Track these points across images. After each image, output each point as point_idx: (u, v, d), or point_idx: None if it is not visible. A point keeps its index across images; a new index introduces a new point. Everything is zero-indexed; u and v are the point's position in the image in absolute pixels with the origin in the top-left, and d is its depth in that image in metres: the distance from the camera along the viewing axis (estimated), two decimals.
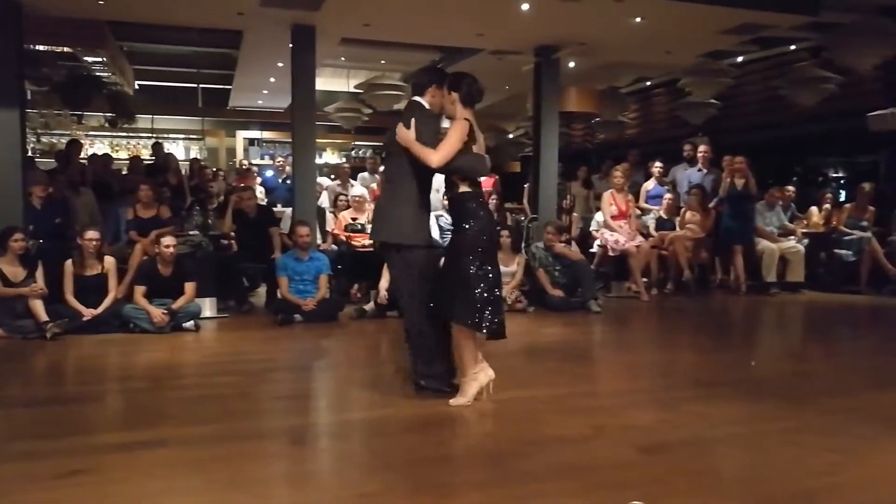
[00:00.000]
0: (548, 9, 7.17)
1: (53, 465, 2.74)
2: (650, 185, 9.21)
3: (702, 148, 9.08)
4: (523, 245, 7.75)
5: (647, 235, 8.41)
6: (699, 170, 8.99)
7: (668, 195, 8.82)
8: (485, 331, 3.58)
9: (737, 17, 7.41)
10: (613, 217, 8.01)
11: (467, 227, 3.63)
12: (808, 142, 10.73)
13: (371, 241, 7.16)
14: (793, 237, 8.61)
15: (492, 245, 3.78)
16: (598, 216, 8.42)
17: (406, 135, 3.64)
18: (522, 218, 8.97)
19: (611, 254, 7.94)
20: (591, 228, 8.64)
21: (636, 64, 10.04)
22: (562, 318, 6.55)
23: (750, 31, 8.09)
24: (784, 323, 7.24)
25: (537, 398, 3.85)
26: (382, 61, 10.29)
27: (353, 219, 7.69)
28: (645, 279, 8.01)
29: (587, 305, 6.89)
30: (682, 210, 8.58)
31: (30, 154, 8.53)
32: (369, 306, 6.59)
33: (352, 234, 7.59)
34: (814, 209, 9.48)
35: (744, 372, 4.59)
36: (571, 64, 9.37)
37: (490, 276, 3.62)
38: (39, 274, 5.69)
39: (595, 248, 8.30)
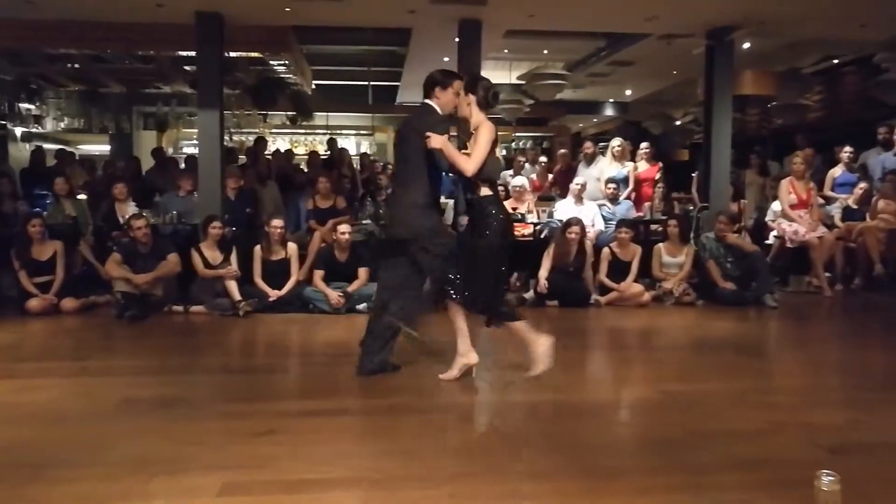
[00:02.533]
0: None
1: (250, 425, 3.06)
2: (837, 171, 8.47)
3: None
4: (692, 235, 7.43)
5: (831, 226, 7.74)
6: (895, 154, 8.12)
7: (862, 183, 8.06)
8: (496, 320, 3.86)
9: None
10: (792, 206, 7.45)
11: (488, 231, 3.74)
12: None
13: (530, 231, 7.29)
14: None
15: (506, 245, 3.88)
16: (775, 205, 7.88)
17: (440, 142, 3.68)
18: (691, 207, 8.59)
19: (789, 245, 7.40)
20: (766, 218, 8.10)
21: (823, 41, 9.23)
22: (733, 313, 6.21)
23: None
24: None
25: (708, 391, 3.72)
26: (545, 51, 10.27)
27: (514, 209, 7.77)
28: (828, 274, 7.39)
29: (762, 300, 6.48)
30: (875, 198, 7.80)
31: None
32: (529, 295, 6.64)
33: (515, 224, 7.66)
34: None
35: None
36: (747, 45, 8.81)
37: (503, 274, 3.92)
38: (234, 258, 6.31)
39: (771, 240, 7.78)
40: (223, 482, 2.44)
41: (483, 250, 3.76)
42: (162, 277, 6.13)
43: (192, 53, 8.16)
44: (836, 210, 8.15)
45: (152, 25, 8.03)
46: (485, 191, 3.79)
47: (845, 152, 8.45)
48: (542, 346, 3.86)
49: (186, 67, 9.98)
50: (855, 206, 7.97)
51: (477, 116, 3.85)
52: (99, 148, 13.04)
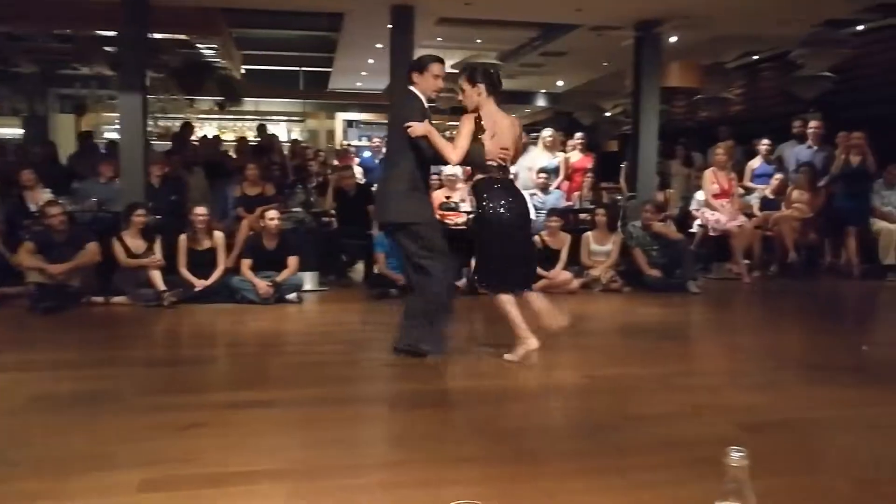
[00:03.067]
0: None
1: (177, 418, 2.97)
2: (756, 163, 8.81)
3: (813, 124, 8.58)
4: (619, 224, 7.61)
5: (750, 215, 8.07)
6: (809, 147, 8.51)
7: (777, 174, 8.42)
8: (515, 288, 3.99)
9: None
10: (715, 196, 7.72)
11: (486, 213, 3.87)
12: None
13: (463, 220, 7.32)
14: None
15: (521, 220, 4.01)
16: (699, 195, 8.15)
17: (423, 129, 3.80)
18: (619, 197, 8.80)
19: (711, 233, 7.67)
20: (691, 207, 8.38)
21: (744, 37, 9.58)
22: (659, 299, 6.40)
23: None
24: None
25: (634, 376, 3.83)
26: (479, 40, 10.29)
27: (447, 197, 7.78)
28: (747, 261, 7.70)
29: (686, 286, 6.70)
30: (789, 189, 8.17)
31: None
32: (462, 283, 6.67)
33: (445, 213, 7.68)
34: None
35: (854, 357, 4.37)
36: (673, 39, 9.06)
37: (518, 256, 4.01)
38: (158, 247, 6.10)
39: (695, 228, 8.05)
40: (144, 478, 2.36)
41: (484, 233, 3.94)
42: (80, 267, 5.86)
43: (114, 33, 7.79)
44: (754, 200, 8.48)
45: (71, 2, 7.64)
46: (478, 176, 3.93)
47: (763, 145, 8.80)
48: (528, 346, 3.93)
49: (107, 48, 9.54)
50: (772, 197, 8.32)
51: (485, 103, 3.92)
52: (11, 132, 12.38)
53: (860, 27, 9.37)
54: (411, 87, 3.99)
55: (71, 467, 2.44)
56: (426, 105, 3.99)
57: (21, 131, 12.26)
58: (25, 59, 10.51)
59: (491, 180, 3.92)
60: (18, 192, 6.81)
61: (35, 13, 7.86)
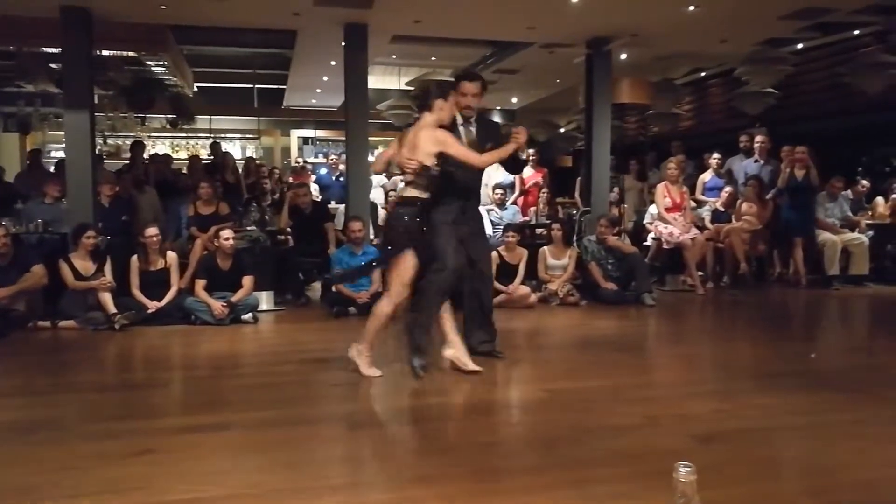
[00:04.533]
0: (599, 0, 7.11)
1: (125, 445, 2.87)
2: (707, 176, 9.05)
3: (759, 138, 8.86)
4: (575, 238, 7.71)
5: (702, 228, 8.26)
6: (756, 161, 8.77)
7: (727, 187, 8.64)
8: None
9: (796, 1, 7.21)
10: (667, 209, 7.89)
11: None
12: (873, 131, 10.34)
13: None
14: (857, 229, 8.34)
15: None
16: (652, 209, 8.31)
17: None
18: (574, 211, 8.92)
19: (665, 246, 7.83)
20: (644, 221, 8.53)
21: (690, 54, 9.86)
22: (615, 312, 6.49)
23: (811, 16, 7.85)
24: (847, 316, 7.01)
25: (590, 388, 3.85)
26: (433, 58, 10.36)
27: None
28: (700, 272, 7.87)
29: (641, 299, 6.81)
30: (739, 202, 8.39)
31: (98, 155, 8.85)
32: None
33: None
34: (879, 200, 9.15)
35: (804, 364, 4.48)
36: (624, 56, 9.27)
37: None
38: (108, 268, 5.95)
39: (649, 241, 8.20)
40: None
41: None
42: (25, 291, 5.68)
43: (58, 50, 7.62)
44: (706, 213, 8.69)
45: (12, 17, 7.44)
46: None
47: (714, 158, 9.04)
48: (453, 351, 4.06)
49: (52, 65, 9.31)
50: (722, 209, 8.53)
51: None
52: None
53: (800, 45, 9.74)
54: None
55: (11, 501, 2.34)
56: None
57: None
58: None
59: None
60: None
61: None
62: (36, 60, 9.17)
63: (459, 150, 3.91)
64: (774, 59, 8.86)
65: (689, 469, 1.16)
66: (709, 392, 3.78)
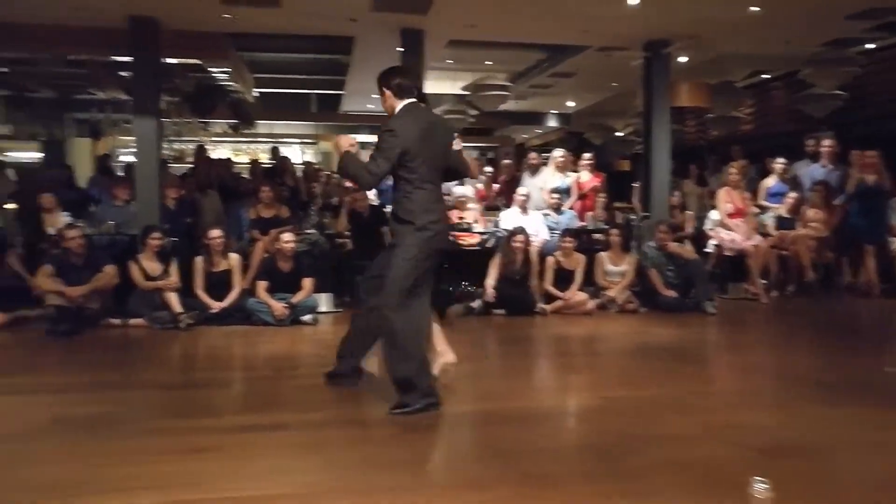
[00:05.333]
0: (658, 2, 7.00)
1: (186, 442, 2.97)
2: (770, 182, 8.78)
3: (826, 142, 8.55)
4: (634, 244, 7.59)
5: (766, 234, 8.03)
6: (823, 165, 8.47)
7: (791, 193, 8.38)
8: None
9: (863, 0, 6.95)
10: (729, 215, 7.70)
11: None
12: None
13: (476, 241, 7.34)
14: None
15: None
16: (713, 214, 8.12)
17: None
18: (633, 217, 8.78)
19: (727, 253, 7.63)
20: (705, 227, 8.35)
21: (752, 56, 9.60)
22: (674, 320, 6.36)
23: (878, 16, 7.56)
24: None
25: (647, 397, 3.79)
26: (488, 62, 10.37)
27: (460, 218, 7.80)
28: (764, 281, 7.64)
29: (701, 307, 6.65)
30: (805, 208, 8.12)
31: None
32: (476, 304, 6.67)
33: (458, 234, 7.68)
34: None
35: (874, 377, 4.30)
36: (683, 58, 9.09)
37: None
38: (174, 269, 6.15)
39: (710, 248, 8.01)
40: (156, 501, 2.36)
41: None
42: (98, 290, 5.92)
43: (128, 59, 7.93)
44: (769, 219, 8.44)
45: (84, 28, 7.77)
46: None
47: (779, 163, 8.78)
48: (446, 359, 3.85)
49: (121, 73, 9.69)
50: (787, 216, 8.28)
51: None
52: (30, 156, 12.56)
53: (869, 45, 9.38)
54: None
55: (84, 490, 2.45)
56: None
57: (40, 155, 12.43)
58: (42, 85, 10.69)
59: None
60: (37, 216, 6.90)
61: (48, 39, 8.01)
62: (106, 69, 9.58)
63: None
64: (841, 59, 8.55)
65: (765, 485, 1.12)
66: (771, 404, 3.67)
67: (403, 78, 3.65)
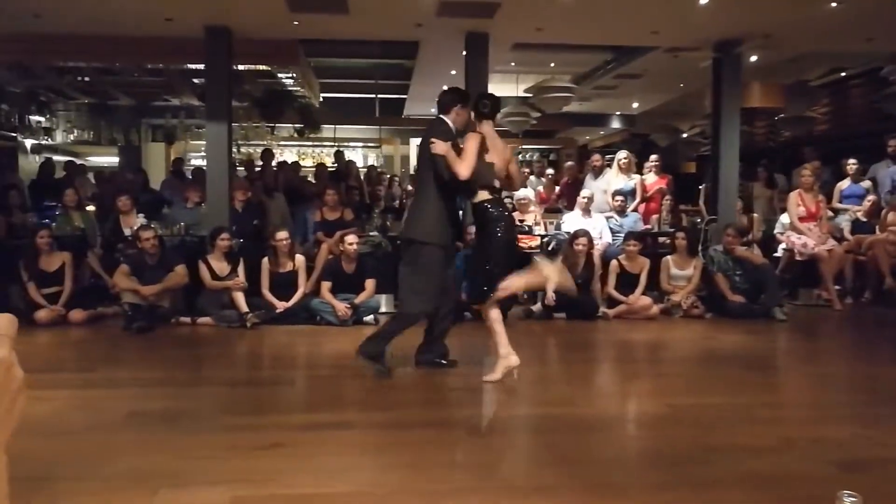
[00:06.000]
0: (729, 1, 6.80)
1: (255, 438, 3.04)
2: (844, 184, 8.43)
3: None
4: (700, 248, 7.40)
5: (840, 239, 7.70)
6: None
7: (870, 196, 8.01)
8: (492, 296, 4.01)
9: None
10: (801, 219, 7.41)
11: (498, 231, 4.01)
12: None
13: (537, 243, 7.28)
14: None
15: (512, 244, 4.29)
16: (784, 218, 7.84)
17: (443, 148, 4.01)
18: (699, 220, 8.56)
19: (798, 258, 7.35)
20: (775, 231, 8.07)
21: (830, 54, 9.22)
22: (742, 326, 6.16)
23: None
24: None
25: (717, 405, 3.68)
26: (552, 64, 10.28)
27: (521, 221, 7.75)
28: (838, 287, 7.33)
29: (771, 313, 6.43)
30: (884, 211, 7.75)
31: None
32: (537, 307, 6.61)
33: (519, 236, 7.64)
34: None
35: None
36: (754, 58, 8.81)
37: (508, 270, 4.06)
38: (241, 269, 6.32)
39: (780, 253, 7.73)
40: (229, 496, 2.42)
41: (495, 250, 4.03)
42: (169, 289, 6.14)
43: (201, 66, 8.21)
44: (845, 223, 8.10)
45: (161, 39, 8.08)
46: (483, 195, 4.06)
47: (851, 164, 8.42)
48: (509, 360, 3.99)
49: (195, 80, 10.04)
50: (864, 219, 7.92)
51: (480, 127, 4.16)
52: (108, 160, 13.13)
53: None
54: (442, 116, 4.26)
55: (161, 482, 2.54)
56: (450, 130, 4.21)
57: (117, 160, 12.98)
58: (121, 93, 11.18)
59: (498, 199, 4.15)
60: (115, 218, 7.21)
61: (128, 50, 8.37)
62: (180, 76, 9.94)
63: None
64: None
65: (854, 500, 1.07)
66: (848, 416, 3.52)
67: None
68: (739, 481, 2.59)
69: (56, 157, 10.96)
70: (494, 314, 4.06)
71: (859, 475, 2.65)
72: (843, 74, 11.10)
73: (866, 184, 8.43)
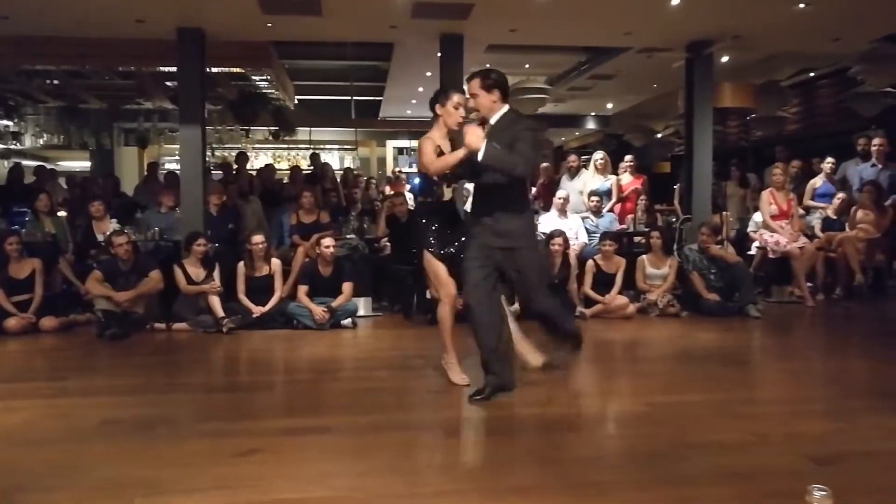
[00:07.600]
0: (700, 2, 6.88)
1: (233, 444, 3.01)
2: (818, 182, 8.57)
3: (876, 141, 8.30)
4: (675, 247, 7.47)
5: (811, 237, 7.83)
6: (873, 165, 8.24)
7: (840, 193, 8.15)
8: None
9: None
10: (773, 217, 7.52)
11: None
12: None
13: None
14: None
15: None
16: (757, 216, 7.95)
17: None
18: (674, 219, 8.65)
19: (771, 256, 7.46)
20: (748, 229, 8.18)
21: (798, 55, 9.37)
22: (718, 324, 6.23)
23: None
24: None
25: (693, 403, 3.72)
26: (527, 65, 10.31)
27: None
28: (810, 284, 7.45)
29: (745, 310, 6.52)
30: (854, 209, 7.90)
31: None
32: (514, 308, 6.59)
33: None
34: None
35: None
36: (725, 58, 8.93)
37: None
38: (217, 274, 6.25)
39: (753, 251, 7.84)
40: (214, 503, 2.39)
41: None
42: (144, 295, 6.05)
43: (173, 69, 8.10)
44: (816, 221, 8.23)
45: (132, 41, 7.97)
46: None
47: (827, 163, 8.56)
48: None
49: (168, 83, 9.91)
50: (834, 217, 8.06)
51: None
52: (79, 164, 12.92)
53: None
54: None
55: (136, 492, 2.50)
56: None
57: (88, 164, 12.77)
58: (91, 96, 11.00)
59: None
60: (87, 223, 7.10)
61: (98, 52, 8.23)
62: (153, 79, 9.81)
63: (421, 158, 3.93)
64: (893, 56, 8.30)
65: (824, 493, 1.08)
66: (822, 410, 3.57)
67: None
68: (716, 477, 2.62)
69: (25, 162, 10.75)
70: (445, 312, 4.00)
71: (833, 468, 2.69)
72: (812, 75, 11.29)
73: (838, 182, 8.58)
